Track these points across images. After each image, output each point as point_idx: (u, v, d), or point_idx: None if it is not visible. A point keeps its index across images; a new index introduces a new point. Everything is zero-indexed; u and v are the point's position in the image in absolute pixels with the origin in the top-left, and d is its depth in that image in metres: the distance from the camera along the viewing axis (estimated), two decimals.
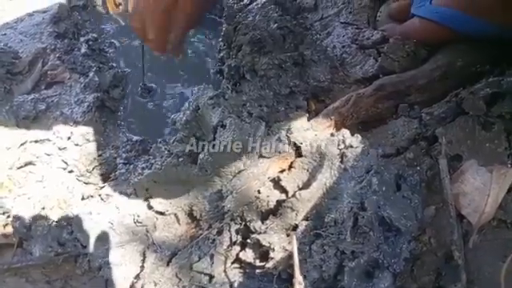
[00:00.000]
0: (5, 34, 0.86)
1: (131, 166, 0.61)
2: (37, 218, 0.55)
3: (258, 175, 0.48)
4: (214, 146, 0.51)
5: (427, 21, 0.60)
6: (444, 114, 0.53)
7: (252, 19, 0.62)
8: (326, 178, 0.45)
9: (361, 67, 0.62)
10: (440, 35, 0.60)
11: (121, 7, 1.03)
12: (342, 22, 0.70)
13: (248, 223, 0.47)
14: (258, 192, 0.48)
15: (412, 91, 0.57)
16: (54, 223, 0.55)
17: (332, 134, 0.49)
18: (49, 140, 0.68)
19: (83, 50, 0.80)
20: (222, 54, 0.67)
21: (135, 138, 0.70)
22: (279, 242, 0.43)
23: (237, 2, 0.69)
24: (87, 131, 0.69)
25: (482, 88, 0.52)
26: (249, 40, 0.57)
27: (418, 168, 0.48)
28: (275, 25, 0.59)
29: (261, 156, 0.49)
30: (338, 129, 0.52)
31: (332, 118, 0.52)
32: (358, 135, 0.48)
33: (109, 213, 0.55)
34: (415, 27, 0.62)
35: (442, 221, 0.44)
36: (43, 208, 0.56)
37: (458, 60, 0.58)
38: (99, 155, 0.66)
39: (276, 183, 0.48)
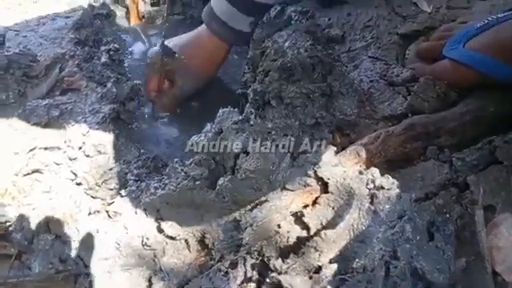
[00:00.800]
0: (25, 36, 0.85)
1: (142, 184, 0.58)
2: (40, 231, 0.52)
3: (281, 209, 0.45)
4: (234, 172, 0.49)
5: (459, 64, 0.59)
6: (476, 161, 0.51)
7: (281, 45, 0.60)
8: (353, 218, 0.43)
9: (389, 104, 0.60)
10: (471, 79, 0.59)
11: (143, 20, 1.02)
12: (370, 56, 0.69)
13: (266, 260, 0.44)
14: (279, 226, 0.45)
15: (442, 133, 0.55)
16: (57, 238, 0.52)
17: (361, 172, 0.47)
18: (59, 148, 0.65)
19: (103, 60, 0.79)
20: (246, 78, 0.65)
21: (147, 154, 0.68)
22: (301, 285, 0.40)
23: (265, 28, 0.68)
24: (100, 142, 0.66)
25: None
26: (278, 66, 0.56)
27: (448, 216, 0.46)
28: (306, 53, 0.58)
29: (284, 188, 0.46)
30: (366, 166, 0.50)
31: (360, 154, 0.50)
32: (389, 176, 0.45)
33: (116, 232, 0.53)
34: (446, 69, 0.61)
35: (473, 275, 0.42)
36: (47, 221, 0.53)
37: (490, 105, 0.57)
38: (110, 169, 0.63)
39: (298, 218, 0.46)
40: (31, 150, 0.65)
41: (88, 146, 0.65)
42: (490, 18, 0.60)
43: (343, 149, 0.55)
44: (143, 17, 1.01)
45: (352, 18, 0.77)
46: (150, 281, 0.49)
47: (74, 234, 0.53)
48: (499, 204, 0.46)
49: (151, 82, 0.80)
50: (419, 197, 0.48)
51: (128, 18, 1.01)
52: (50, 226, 0.53)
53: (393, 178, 0.49)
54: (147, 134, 0.76)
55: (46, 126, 0.69)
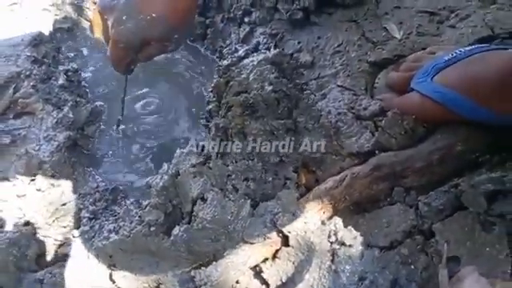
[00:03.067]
0: None
1: (97, 224, 0.55)
2: None
3: (238, 265, 0.42)
4: (190, 221, 0.46)
5: (427, 98, 0.58)
6: (442, 206, 0.49)
7: (246, 77, 0.58)
8: (313, 278, 0.40)
9: (356, 140, 0.58)
10: (439, 115, 0.57)
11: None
12: (339, 85, 0.67)
13: None
14: (237, 282, 0.43)
15: (408, 174, 0.54)
16: None
17: (323, 223, 0.45)
18: (8, 180, 0.61)
19: (61, 82, 0.74)
20: (210, 107, 0.62)
21: (106, 184, 0.64)
22: None
23: (231, 53, 0.65)
24: (53, 174, 0.62)
25: (482, 182, 0.49)
26: (241, 102, 0.53)
27: (413, 267, 0.44)
28: (270, 87, 0.55)
29: (243, 240, 0.44)
30: (329, 212, 0.48)
31: (324, 200, 0.48)
32: (352, 228, 0.43)
33: (65, 280, 0.49)
34: (414, 103, 0.59)
35: None
36: None
37: (458, 144, 0.55)
38: (63, 204, 0.59)
39: (257, 274, 0.43)
40: None
41: (40, 179, 0.61)
42: (457, 51, 0.59)
43: (307, 188, 0.53)
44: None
45: (322, 42, 0.75)
46: None
47: (18, 284, 0.49)
48: (464, 256, 0.45)
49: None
50: (384, 245, 0.46)
51: (92, 32, 0.96)
52: None
53: (357, 224, 0.48)
54: (107, 159, 0.72)
55: None
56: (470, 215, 0.48)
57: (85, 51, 0.91)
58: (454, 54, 0.58)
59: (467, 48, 0.58)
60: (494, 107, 0.52)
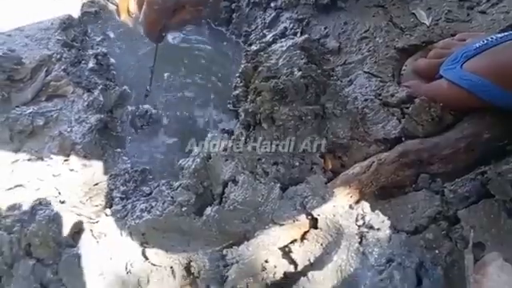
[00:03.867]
0: (10, 36, 0.81)
1: (128, 203, 0.57)
2: (20, 255, 0.51)
3: (268, 245, 0.44)
4: (222, 200, 0.48)
5: (455, 86, 0.57)
6: (468, 194, 0.50)
7: (275, 62, 0.58)
8: (341, 259, 0.42)
9: (383, 126, 0.58)
10: (468, 103, 0.57)
11: (133, 16, 0.99)
12: (365, 72, 0.67)
13: None
14: (266, 261, 0.44)
15: (435, 161, 0.54)
16: (38, 262, 0.51)
17: (351, 207, 0.46)
18: (42, 160, 0.64)
19: (91, 65, 0.76)
20: (237, 92, 0.63)
21: (135, 167, 0.66)
22: None
23: (259, 38, 0.66)
24: (85, 155, 0.65)
25: (510, 171, 0.49)
26: (271, 88, 0.54)
27: (437, 252, 0.45)
28: (299, 72, 0.56)
29: (273, 222, 0.45)
30: (356, 196, 0.49)
31: (351, 185, 0.49)
32: (379, 212, 0.44)
33: (100, 256, 0.51)
34: (442, 90, 0.59)
35: None
36: (28, 244, 0.52)
37: (485, 132, 0.55)
38: (95, 184, 0.62)
39: (286, 254, 0.45)
40: (14, 162, 0.63)
41: (73, 159, 0.63)
42: (489, 38, 0.58)
43: (334, 173, 0.54)
44: (133, 13, 0.97)
45: (349, 28, 0.75)
46: None
47: (57, 257, 0.51)
48: (488, 242, 0.46)
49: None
50: (409, 230, 0.47)
51: (118, 15, 0.98)
52: (32, 249, 0.51)
53: (383, 208, 0.48)
54: (135, 142, 0.74)
55: (30, 135, 0.67)
56: (496, 203, 0.48)
57: (111, 35, 0.92)
58: (485, 41, 0.58)
59: (499, 35, 0.58)
60: None
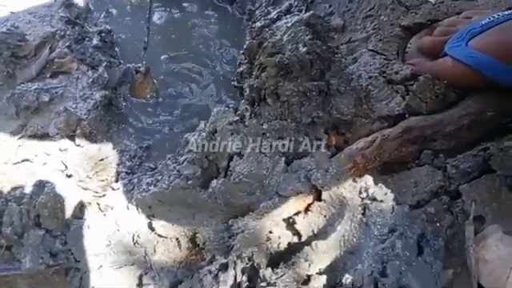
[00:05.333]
0: (13, 12, 0.81)
1: (134, 178, 0.58)
2: (30, 226, 0.52)
3: (273, 216, 0.45)
4: (227, 174, 0.48)
5: (460, 63, 0.57)
6: (470, 169, 0.50)
7: (280, 38, 0.58)
8: (345, 229, 0.43)
9: (387, 103, 0.59)
10: (472, 80, 0.57)
11: None
12: (370, 50, 0.67)
13: (257, 267, 0.44)
14: (270, 232, 0.45)
15: (438, 137, 0.55)
16: (48, 232, 0.52)
17: (354, 180, 0.46)
18: (49, 136, 0.64)
19: (95, 42, 0.76)
20: (241, 69, 0.64)
21: (140, 143, 0.67)
22: None
23: (263, 15, 0.66)
24: (91, 131, 0.65)
25: None
26: (276, 63, 0.54)
27: (438, 225, 0.46)
28: (304, 48, 0.56)
29: (277, 194, 0.46)
30: (359, 171, 0.49)
31: (355, 159, 0.49)
32: (382, 185, 0.45)
33: (107, 227, 0.52)
34: (447, 68, 0.59)
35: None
36: (37, 215, 0.53)
37: (489, 109, 0.56)
38: (101, 159, 0.62)
39: (290, 225, 0.46)
40: (21, 138, 0.64)
41: (79, 135, 0.64)
42: (495, 16, 0.58)
43: (337, 149, 0.55)
44: None
45: (353, 6, 0.74)
46: (140, 279, 0.49)
47: (65, 228, 0.52)
48: (489, 215, 0.46)
49: None
50: (411, 204, 0.48)
51: None
52: (41, 220, 0.52)
53: (386, 183, 0.49)
54: (139, 119, 0.74)
55: (36, 111, 0.68)
56: (498, 178, 0.49)
57: (114, 12, 0.92)
58: (491, 19, 0.57)
59: (505, 12, 0.57)
60: None
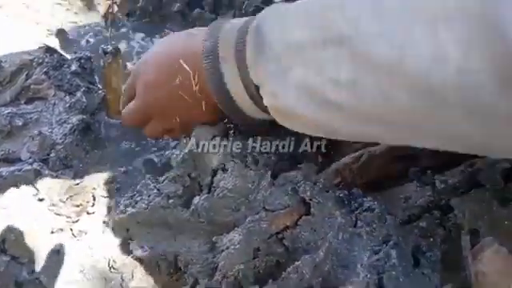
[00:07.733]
0: None
1: (112, 201, 0.55)
2: None
3: (260, 231, 0.42)
4: (211, 190, 0.46)
5: None
6: (458, 184, 0.50)
7: None
8: (336, 242, 0.40)
9: None
10: None
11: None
12: None
13: (244, 286, 0.41)
14: (258, 250, 0.42)
15: (423, 155, 0.54)
16: (13, 259, 0.48)
17: (343, 193, 0.45)
18: (20, 160, 0.61)
19: (73, 68, 0.74)
20: None
21: (118, 169, 0.64)
22: None
23: None
24: (66, 156, 0.62)
25: (498, 161, 0.50)
26: None
27: (432, 240, 0.44)
28: None
29: (264, 209, 0.44)
30: (347, 186, 0.48)
31: (343, 173, 0.48)
32: (372, 199, 0.44)
33: (80, 253, 0.49)
34: None
35: None
36: (3, 240, 0.48)
37: None
38: (76, 184, 0.59)
39: (278, 241, 0.43)
40: None
41: (53, 159, 0.61)
42: None
43: (323, 166, 0.54)
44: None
45: None
46: None
47: (33, 254, 0.48)
48: (482, 228, 0.45)
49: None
50: (402, 219, 0.46)
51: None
52: (6, 245, 0.48)
53: (375, 199, 0.48)
54: (118, 145, 0.72)
55: (8, 135, 0.65)
56: (487, 191, 0.48)
57: (92, 40, 0.91)
58: None
59: None
60: None
